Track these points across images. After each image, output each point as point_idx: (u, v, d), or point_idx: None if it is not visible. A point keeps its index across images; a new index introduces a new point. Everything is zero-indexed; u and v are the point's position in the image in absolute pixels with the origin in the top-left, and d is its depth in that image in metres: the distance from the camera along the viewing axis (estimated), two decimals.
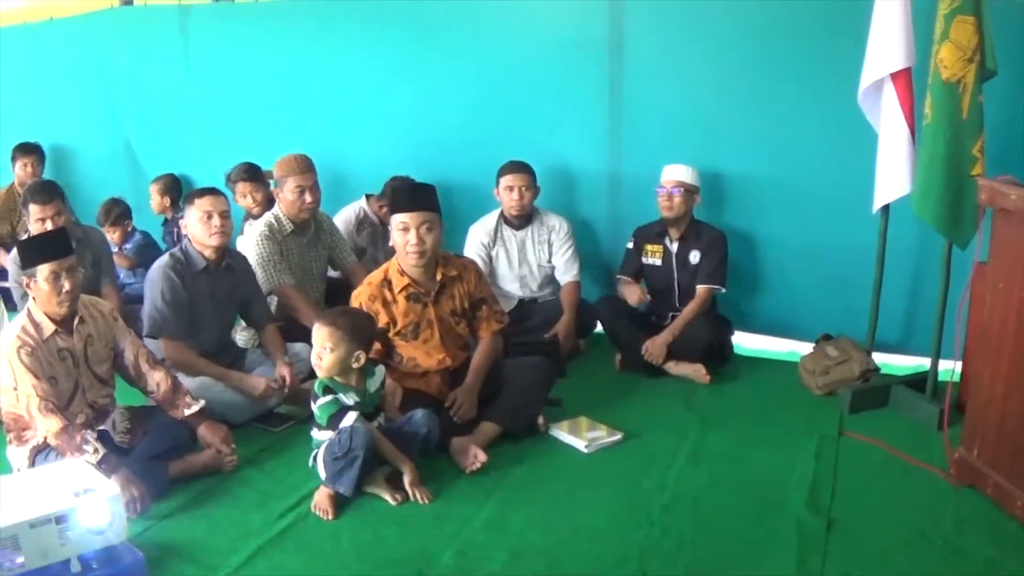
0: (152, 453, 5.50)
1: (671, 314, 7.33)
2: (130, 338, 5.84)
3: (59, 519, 4.22)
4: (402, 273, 5.93)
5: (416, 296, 5.98)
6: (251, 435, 6.13)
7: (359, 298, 5.94)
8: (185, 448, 5.71)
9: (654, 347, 7.05)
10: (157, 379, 5.77)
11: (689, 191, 7.17)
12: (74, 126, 10.68)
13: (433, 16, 8.44)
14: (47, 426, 5.21)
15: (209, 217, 6.36)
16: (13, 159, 10.25)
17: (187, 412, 5.73)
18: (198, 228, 6.40)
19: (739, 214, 7.62)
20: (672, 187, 7.16)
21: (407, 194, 5.98)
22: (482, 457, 5.58)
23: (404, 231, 5.81)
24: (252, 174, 8.10)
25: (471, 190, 7.78)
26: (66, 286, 5.35)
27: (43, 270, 5.31)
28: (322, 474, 5.21)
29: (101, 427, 5.53)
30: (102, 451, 5.13)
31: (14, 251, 7.17)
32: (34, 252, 5.40)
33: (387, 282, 5.95)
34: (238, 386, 6.28)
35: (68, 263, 5.39)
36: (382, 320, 5.90)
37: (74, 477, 4.55)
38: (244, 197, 8.23)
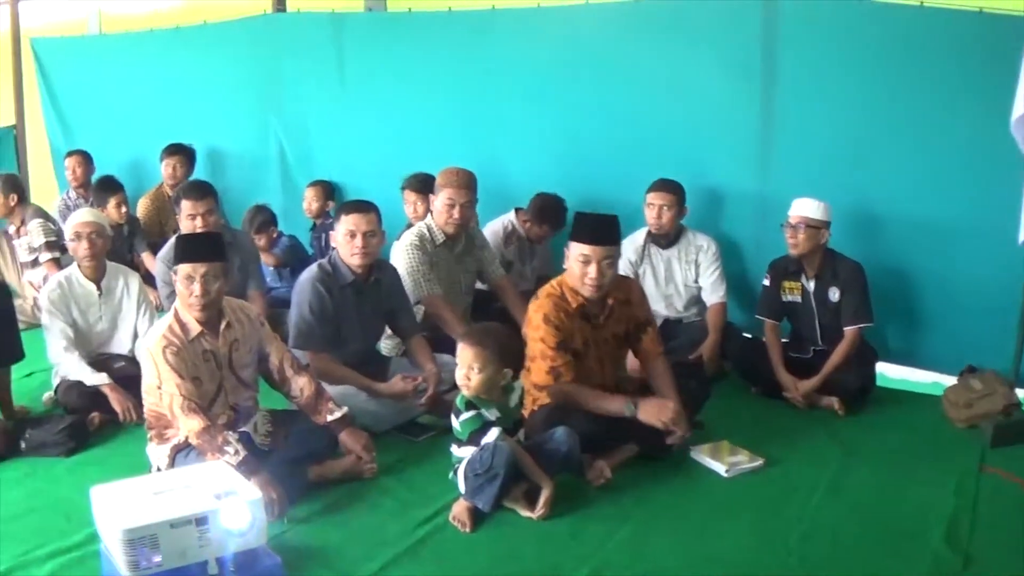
0: (292, 457, 5.58)
1: (813, 349, 7.21)
2: (275, 343, 5.92)
3: (199, 520, 4.28)
4: (575, 293, 5.83)
5: (587, 316, 5.90)
6: (392, 444, 6.18)
7: (542, 309, 5.81)
8: (325, 454, 5.78)
9: (799, 392, 6.95)
10: (301, 384, 5.84)
11: (815, 227, 6.98)
12: (227, 130, 10.89)
13: (586, 33, 8.48)
14: (189, 425, 5.30)
15: (352, 236, 6.43)
16: (162, 159, 10.44)
17: (330, 418, 5.78)
18: (342, 244, 6.48)
19: (884, 243, 7.50)
20: (796, 222, 7.01)
21: (592, 226, 5.79)
22: (607, 473, 5.57)
23: (584, 263, 5.70)
24: (420, 185, 8.13)
25: (619, 207, 7.73)
26: (197, 290, 5.46)
27: (186, 268, 5.44)
28: (462, 487, 5.23)
29: (243, 428, 5.59)
30: (243, 452, 5.19)
31: (163, 251, 7.32)
32: (186, 249, 5.53)
33: (563, 297, 5.85)
34: (382, 395, 6.33)
35: (209, 268, 5.49)
36: (561, 334, 5.79)
37: (216, 479, 4.63)
38: (410, 206, 8.30)
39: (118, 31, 12.79)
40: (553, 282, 5.93)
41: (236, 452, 5.17)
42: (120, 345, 7.25)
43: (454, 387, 6.17)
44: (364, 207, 6.50)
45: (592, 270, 5.67)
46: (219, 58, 10.84)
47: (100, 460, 6.25)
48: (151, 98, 11.48)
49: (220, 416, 5.54)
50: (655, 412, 5.61)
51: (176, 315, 5.59)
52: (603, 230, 5.75)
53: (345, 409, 5.86)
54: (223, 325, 5.65)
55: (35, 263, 9.29)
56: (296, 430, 5.79)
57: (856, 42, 7.31)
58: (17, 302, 7.69)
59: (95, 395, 6.77)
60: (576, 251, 5.73)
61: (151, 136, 11.08)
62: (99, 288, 7.13)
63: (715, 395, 6.72)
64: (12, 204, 9.56)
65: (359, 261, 6.45)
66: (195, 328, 5.54)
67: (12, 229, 9.59)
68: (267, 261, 8.84)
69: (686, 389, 6.06)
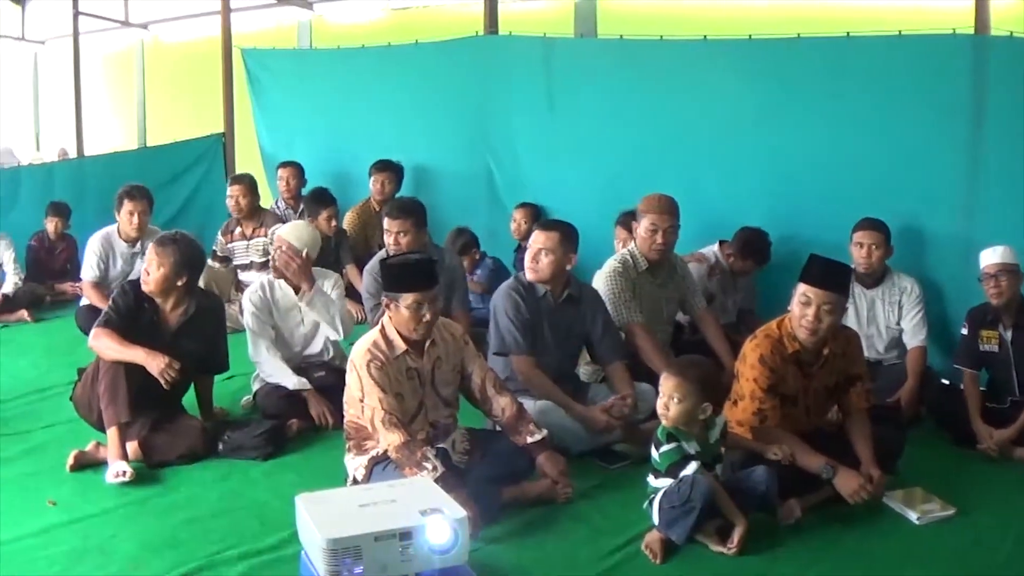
0: (488, 476, 5.60)
1: (1010, 399, 6.96)
2: (479, 362, 5.96)
3: (404, 535, 4.33)
4: (793, 338, 5.74)
5: (800, 363, 5.81)
6: (586, 469, 6.15)
7: (760, 349, 5.73)
8: (521, 475, 5.78)
9: (994, 443, 6.72)
10: (503, 404, 5.87)
11: (1013, 272, 6.81)
12: (435, 148, 11.03)
13: (797, 68, 8.42)
14: (389, 439, 5.36)
15: (529, 250, 6.53)
16: (370, 175, 10.62)
17: (530, 439, 5.79)
18: (526, 259, 6.57)
19: None
20: (995, 271, 6.81)
21: (820, 269, 5.69)
22: (798, 513, 5.47)
23: (804, 304, 5.62)
24: (630, 221, 8.10)
25: (821, 246, 7.64)
26: (427, 316, 5.54)
27: (407, 298, 5.50)
28: (656, 518, 5.19)
29: (441, 445, 5.64)
30: (441, 468, 5.23)
31: (371, 263, 7.42)
32: (400, 278, 5.60)
33: (781, 340, 5.77)
34: (579, 417, 6.30)
35: (432, 295, 5.57)
36: (773, 377, 5.72)
37: (423, 495, 4.68)
38: (620, 242, 8.30)
39: (328, 44, 13.05)
40: (773, 323, 5.84)
41: (434, 468, 5.22)
42: (320, 348, 7.42)
43: (651, 417, 6.19)
44: (548, 225, 6.62)
45: (810, 313, 5.59)
46: (430, 77, 11.00)
47: (296, 466, 6.38)
48: (360, 113, 11.72)
49: (419, 432, 5.59)
50: (850, 487, 5.50)
51: (382, 331, 5.67)
52: (831, 276, 5.66)
53: (545, 432, 5.87)
54: (428, 343, 5.72)
55: (264, 266, 9.52)
56: (493, 450, 5.84)
57: None
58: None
59: (293, 401, 6.95)
60: (800, 290, 5.65)
61: (358, 150, 11.32)
62: (297, 293, 7.26)
63: (910, 440, 6.60)
64: (254, 206, 9.94)
65: (531, 276, 6.56)
66: (400, 346, 5.62)
67: (248, 230, 9.96)
68: (472, 288, 8.92)
69: (882, 435, 5.94)
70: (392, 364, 5.58)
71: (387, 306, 5.65)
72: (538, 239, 6.51)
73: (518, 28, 10.74)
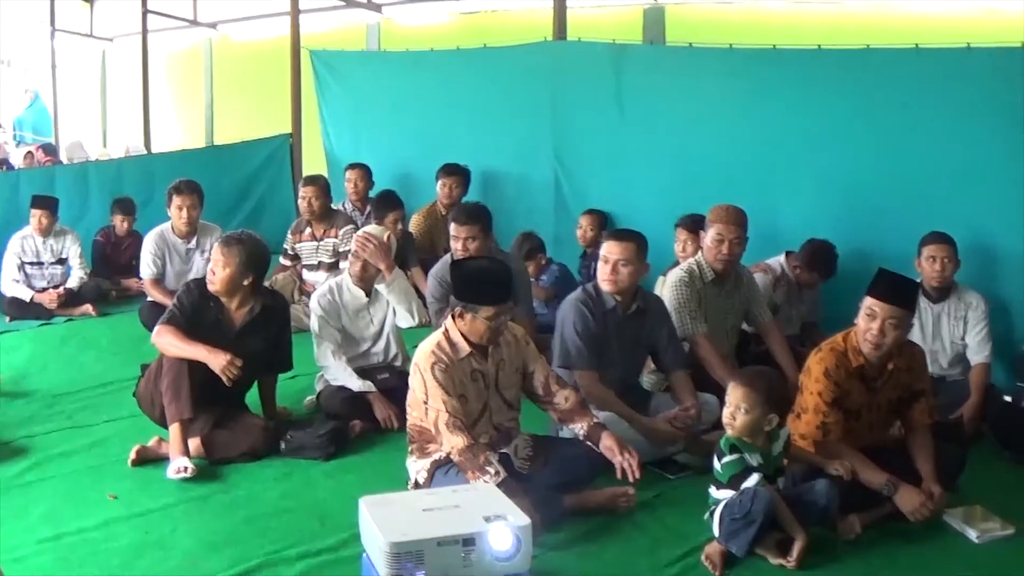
0: (551, 483, 5.60)
1: None
2: (541, 361, 5.97)
3: (467, 541, 4.34)
4: (858, 352, 5.69)
5: (864, 378, 5.75)
6: (647, 479, 6.02)
7: (824, 362, 5.68)
8: (583, 482, 5.77)
9: None
10: (565, 394, 5.86)
11: None
12: (502, 152, 11.05)
13: (867, 79, 8.37)
14: (453, 442, 5.36)
15: (606, 263, 6.45)
16: (437, 178, 10.65)
17: (588, 425, 5.76)
18: (599, 269, 6.53)
19: None
20: None
21: (887, 283, 5.62)
22: (857, 529, 5.40)
23: (869, 317, 5.56)
24: (693, 224, 8.04)
25: (889, 259, 7.60)
26: (502, 327, 5.58)
27: (488, 310, 5.51)
28: (716, 530, 5.16)
29: (503, 450, 5.65)
30: (503, 474, 5.24)
31: (436, 267, 7.44)
32: (481, 290, 5.60)
33: (846, 354, 5.70)
34: (644, 430, 6.25)
35: (510, 307, 5.60)
36: (838, 391, 5.66)
37: (486, 501, 4.69)
38: (680, 244, 8.27)
39: (396, 47, 13.10)
40: (839, 336, 5.79)
41: (497, 472, 5.23)
42: (383, 347, 7.45)
43: (713, 428, 6.17)
44: (622, 236, 6.52)
45: (875, 327, 5.52)
46: (498, 81, 11.04)
47: (357, 467, 6.40)
48: (427, 116, 11.78)
49: (482, 435, 5.59)
50: (911, 504, 5.45)
51: (446, 333, 5.67)
52: (898, 290, 5.60)
53: (600, 417, 5.89)
54: (491, 346, 5.72)
55: (332, 267, 9.63)
56: (556, 456, 5.83)
57: None
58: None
59: (357, 402, 6.95)
60: (866, 304, 5.59)
61: (425, 153, 11.38)
62: (368, 295, 7.29)
63: (970, 458, 6.54)
64: (326, 208, 10.04)
65: (607, 288, 6.47)
66: (465, 348, 5.62)
67: (319, 231, 10.02)
68: (537, 294, 8.88)
69: (944, 452, 5.87)
70: (457, 366, 5.58)
71: (460, 315, 5.63)
72: (614, 250, 6.44)
73: (586, 34, 10.75)
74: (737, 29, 10.10)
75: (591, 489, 5.75)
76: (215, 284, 6.54)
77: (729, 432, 5.22)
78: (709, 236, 7.14)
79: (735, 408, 5.17)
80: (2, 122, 19.33)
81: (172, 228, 9.50)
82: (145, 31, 17.12)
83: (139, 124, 17.44)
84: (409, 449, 5.85)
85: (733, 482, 5.14)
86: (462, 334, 5.64)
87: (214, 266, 6.54)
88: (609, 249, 6.46)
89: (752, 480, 5.10)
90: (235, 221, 11.40)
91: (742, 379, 5.26)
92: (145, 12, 17.03)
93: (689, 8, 11.69)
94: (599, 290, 6.54)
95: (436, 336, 5.70)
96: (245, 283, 6.57)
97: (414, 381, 5.65)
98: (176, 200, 9.37)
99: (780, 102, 8.90)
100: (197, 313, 6.56)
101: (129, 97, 17.79)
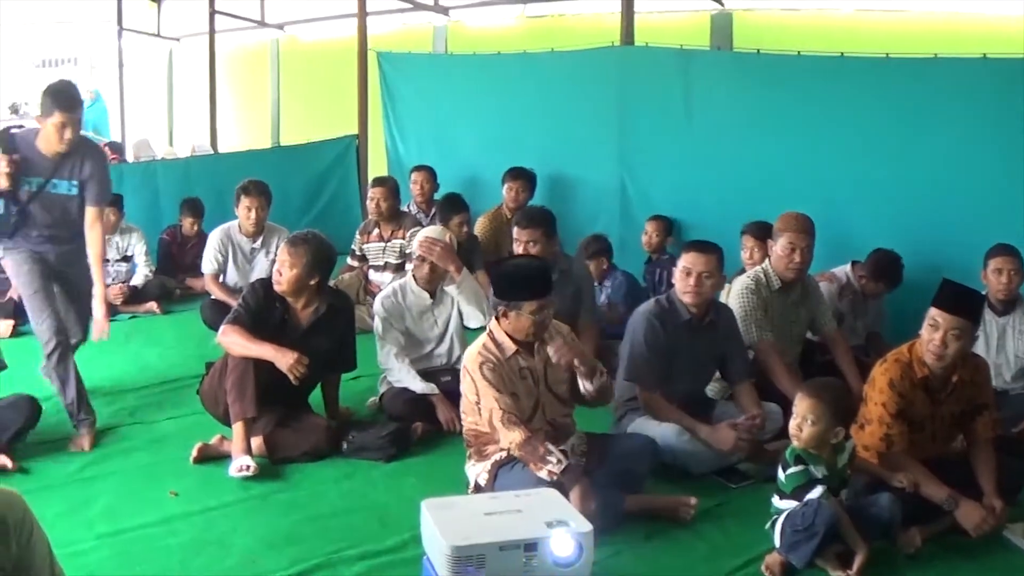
0: (608, 477, 5.58)
1: None
2: None
3: (528, 546, 4.34)
4: (923, 363, 5.61)
5: (929, 390, 5.68)
6: (709, 487, 6.08)
7: (889, 373, 5.62)
8: (639, 479, 5.81)
9: None
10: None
11: None
12: (568, 157, 11.05)
13: (934, 88, 8.37)
14: (511, 437, 5.37)
15: (688, 275, 6.37)
16: (503, 182, 10.66)
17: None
18: (678, 281, 6.45)
19: None
20: None
21: (951, 294, 5.56)
22: (917, 542, 5.34)
23: (933, 328, 5.49)
24: (759, 231, 8.04)
25: (955, 271, 7.54)
26: (546, 320, 5.57)
27: (530, 305, 5.52)
28: (777, 540, 5.12)
29: (561, 448, 5.59)
30: (566, 461, 5.25)
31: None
32: (520, 286, 5.61)
33: (910, 365, 5.65)
34: (707, 439, 6.19)
35: (551, 299, 5.59)
36: (902, 403, 5.60)
37: (549, 507, 4.67)
38: (746, 251, 8.26)
39: (463, 50, 13.14)
40: (904, 347, 5.73)
41: (559, 460, 5.24)
42: (447, 348, 7.46)
43: (776, 437, 6.14)
44: (705, 248, 6.44)
45: (937, 337, 5.45)
46: (565, 86, 11.05)
47: (418, 470, 6.41)
48: (494, 119, 11.83)
49: (538, 432, 5.57)
50: (973, 520, 5.38)
51: (491, 335, 5.71)
52: (962, 301, 5.53)
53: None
54: (537, 343, 5.72)
55: (399, 268, 9.68)
56: (611, 452, 5.84)
57: None
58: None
59: (420, 404, 6.96)
60: (930, 314, 5.53)
61: (491, 157, 11.41)
62: (432, 296, 7.31)
63: None
64: (394, 209, 10.11)
65: (690, 300, 6.39)
66: (510, 347, 5.64)
67: (387, 232, 10.09)
68: (607, 315, 8.86)
69: (1006, 466, 5.79)
70: (504, 365, 5.61)
71: (503, 314, 5.65)
72: (697, 262, 6.37)
73: (654, 38, 10.74)
74: (804, 35, 10.03)
75: (650, 495, 5.78)
76: (282, 284, 6.57)
77: (795, 443, 5.18)
78: (779, 244, 7.08)
79: (802, 419, 5.13)
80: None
81: (238, 227, 9.56)
82: (212, 31, 17.25)
83: (205, 123, 17.56)
84: (467, 454, 5.86)
85: (797, 493, 5.11)
86: (507, 333, 5.66)
87: (281, 266, 6.58)
88: (692, 261, 6.38)
89: (816, 492, 5.06)
90: (301, 222, 11.42)
91: (810, 390, 5.22)
92: (213, 13, 17.15)
93: (756, 14, 11.65)
94: (672, 301, 6.50)
95: (481, 338, 5.74)
96: (311, 283, 6.60)
97: (465, 385, 5.68)
98: (245, 201, 9.43)
99: (847, 109, 8.85)
100: (263, 313, 6.60)
101: (196, 96, 17.91)
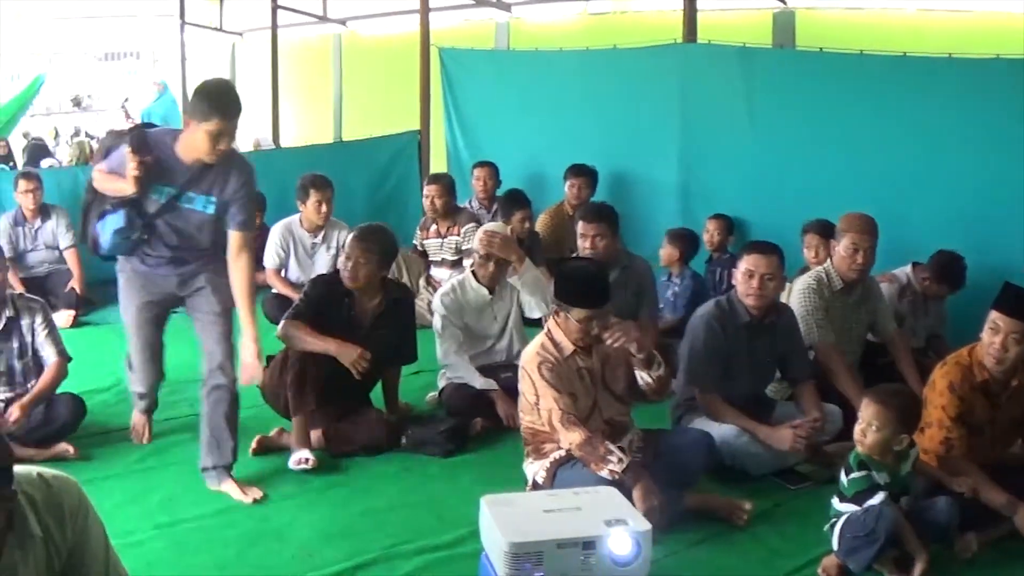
0: (664, 472, 5.54)
1: None
2: None
3: (587, 544, 4.35)
4: (983, 366, 5.57)
5: (988, 393, 5.63)
6: (767, 489, 6.07)
7: (949, 376, 5.58)
8: (694, 474, 5.80)
9: None
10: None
11: None
12: (630, 154, 11.04)
13: (997, 90, 8.35)
14: (570, 438, 5.38)
15: (751, 276, 6.32)
16: (566, 179, 10.67)
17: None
18: (740, 282, 6.40)
19: None
20: None
21: (1013, 297, 5.50)
22: (974, 547, 5.25)
23: (993, 331, 5.44)
24: (823, 229, 7.99)
25: (1016, 274, 7.49)
26: (595, 331, 5.52)
27: (579, 312, 5.51)
28: (836, 544, 5.08)
29: (619, 444, 5.60)
30: (627, 460, 5.26)
31: None
32: (575, 292, 5.60)
33: (971, 368, 5.59)
34: (765, 440, 6.17)
35: (603, 312, 5.56)
36: (962, 406, 5.55)
37: (608, 506, 4.68)
38: (811, 250, 8.28)
39: (524, 45, 13.13)
40: (964, 351, 5.68)
41: (620, 460, 5.25)
42: (506, 343, 7.51)
43: (836, 438, 6.11)
44: (767, 249, 6.39)
45: (997, 341, 5.41)
46: (627, 83, 11.03)
47: (476, 466, 6.44)
48: (556, 116, 11.81)
49: (596, 432, 5.55)
50: None
51: (549, 334, 5.70)
52: (1023, 305, 5.47)
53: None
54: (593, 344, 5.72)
55: (455, 263, 9.78)
56: (666, 448, 5.83)
57: None
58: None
59: (479, 401, 7.00)
60: (991, 317, 5.48)
61: (553, 153, 11.40)
62: (491, 292, 7.34)
63: None
64: (450, 206, 10.15)
65: (752, 302, 6.35)
66: (568, 347, 5.63)
67: (443, 228, 10.16)
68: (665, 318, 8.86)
69: None
70: (562, 365, 5.59)
71: (557, 313, 5.67)
72: (760, 264, 6.32)
73: (716, 36, 10.71)
74: (866, 34, 9.99)
75: (705, 490, 5.81)
76: (356, 280, 6.63)
77: (859, 448, 5.13)
78: (842, 245, 7.02)
79: (867, 425, 5.09)
80: (132, 113, 19.54)
81: (300, 221, 9.61)
82: (275, 26, 17.30)
83: (268, 118, 17.62)
84: (525, 452, 5.86)
85: (857, 498, 5.06)
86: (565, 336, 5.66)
87: (353, 262, 6.60)
88: (755, 263, 6.33)
89: (877, 499, 5.01)
90: (363, 217, 11.44)
91: (876, 396, 5.17)
92: (275, 8, 17.21)
93: (819, 13, 11.62)
94: (732, 303, 6.47)
95: (540, 338, 5.74)
96: (382, 276, 6.70)
97: (523, 385, 5.68)
98: (314, 195, 9.47)
99: (909, 110, 8.82)
100: (324, 307, 6.65)
101: (258, 91, 17.95)
